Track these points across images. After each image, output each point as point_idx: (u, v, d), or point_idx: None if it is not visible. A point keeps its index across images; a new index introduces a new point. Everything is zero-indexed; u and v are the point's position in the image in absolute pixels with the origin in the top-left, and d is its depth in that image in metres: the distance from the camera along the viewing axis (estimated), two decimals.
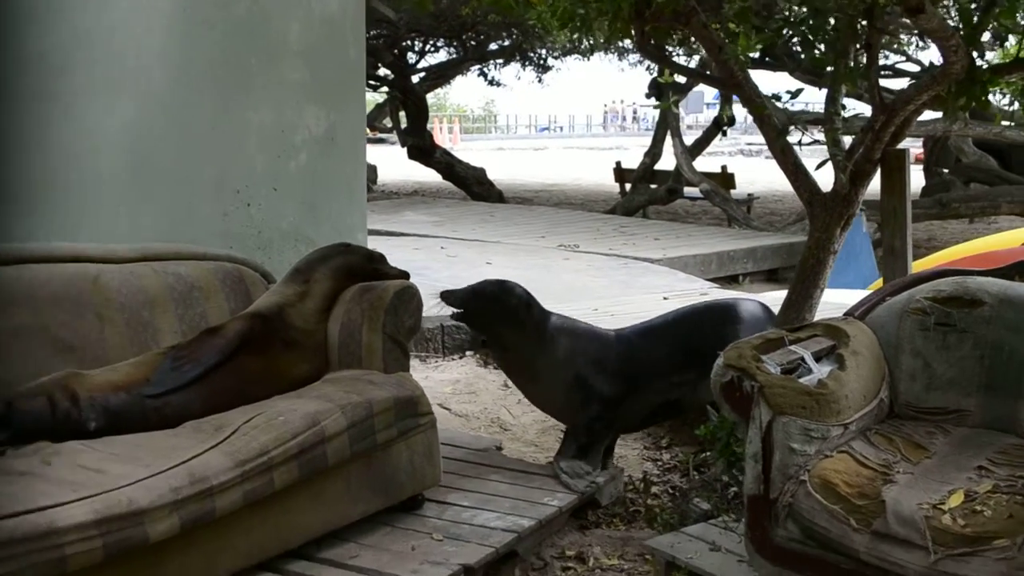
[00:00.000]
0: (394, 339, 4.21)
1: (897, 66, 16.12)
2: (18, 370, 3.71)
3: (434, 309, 4.54)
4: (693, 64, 13.77)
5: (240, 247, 4.90)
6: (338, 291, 4.30)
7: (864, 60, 4.64)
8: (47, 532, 2.87)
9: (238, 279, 4.49)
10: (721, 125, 17.19)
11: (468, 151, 30.93)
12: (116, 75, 4.56)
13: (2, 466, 3.21)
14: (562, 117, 62.36)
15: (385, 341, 4.18)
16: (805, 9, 4.55)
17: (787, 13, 4.99)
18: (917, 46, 14.69)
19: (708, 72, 5.29)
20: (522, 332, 4.54)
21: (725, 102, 16.55)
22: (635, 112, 59.61)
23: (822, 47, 4.56)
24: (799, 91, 4.62)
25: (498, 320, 4.55)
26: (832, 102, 4.81)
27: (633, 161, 19.49)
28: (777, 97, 4.67)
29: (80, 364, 3.83)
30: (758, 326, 4.67)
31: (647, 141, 20.25)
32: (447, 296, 4.52)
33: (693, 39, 5.24)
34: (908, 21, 4.59)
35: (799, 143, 4.71)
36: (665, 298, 8.30)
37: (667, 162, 17.89)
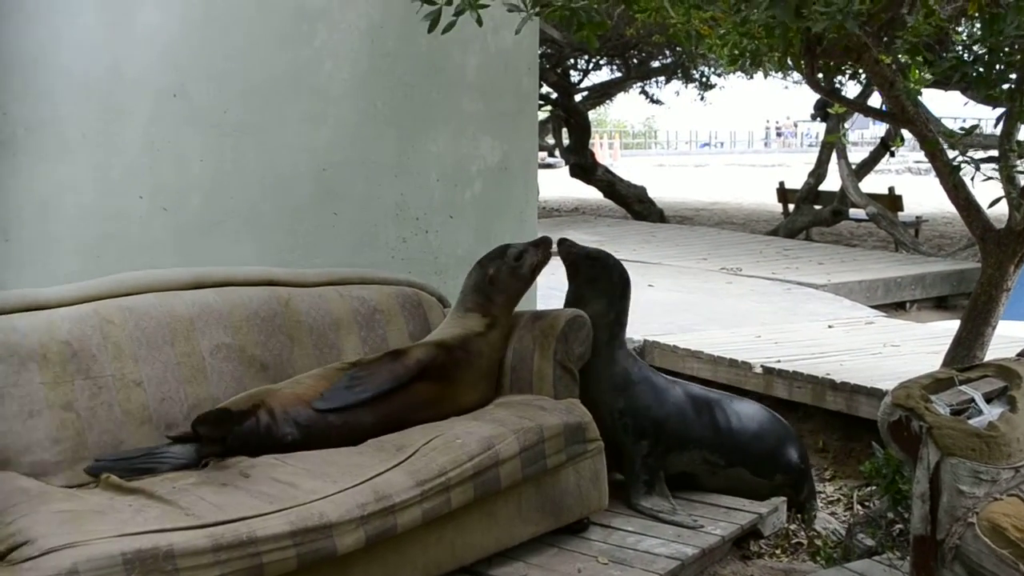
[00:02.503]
0: (564, 366, 4.35)
1: None
2: (216, 386, 4.01)
3: None
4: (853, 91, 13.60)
5: (417, 272, 5.14)
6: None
7: None
8: (247, 541, 3.10)
9: (417, 303, 4.72)
10: (889, 147, 16.81)
11: (628, 167, 30.98)
12: (313, 107, 4.86)
13: (206, 476, 3.48)
14: (723, 133, 61.82)
15: (555, 368, 4.33)
16: (979, 47, 4.51)
17: (960, 49, 4.95)
18: None
19: (881, 108, 5.26)
20: (606, 309, 4.61)
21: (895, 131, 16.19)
22: (795, 126, 58.63)
23: (996, 84, 4.51)
24: (973, 128, 4.57)
25: (594, 283, 4.65)
26: (1007, 138, 4.75)
27: (796, 180, 19.20)
28: (952, 134, 4.63)
29: (272, 382, 4.10)
30: (797, 455, 4.85)
31: (809, 158, 19.90)
32: (566, 242, 4.74)
33: (863, 73, 5.22)
34: None
35: (972, 179, 4.66)
36: (830, 326, 8.22)
37: (832, 182, 17.57)
